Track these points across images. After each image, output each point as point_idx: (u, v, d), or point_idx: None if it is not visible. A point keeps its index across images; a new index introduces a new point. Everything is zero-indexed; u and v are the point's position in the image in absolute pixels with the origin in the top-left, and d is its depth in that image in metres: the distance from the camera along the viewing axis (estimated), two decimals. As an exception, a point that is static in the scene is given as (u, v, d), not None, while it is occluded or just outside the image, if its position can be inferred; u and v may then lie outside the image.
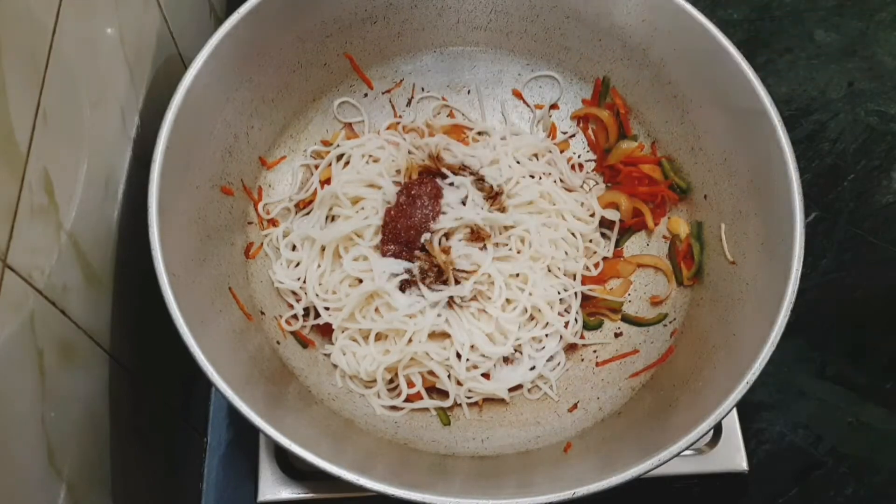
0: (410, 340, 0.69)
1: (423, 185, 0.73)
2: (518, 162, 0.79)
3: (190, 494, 0.78)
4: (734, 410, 0.72)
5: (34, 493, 0.47)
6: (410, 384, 0.70)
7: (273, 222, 0.76)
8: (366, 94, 0.83)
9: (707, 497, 0.77)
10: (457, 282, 0.71)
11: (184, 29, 0.73)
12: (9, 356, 0.43)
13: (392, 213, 0.72)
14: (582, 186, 0.80)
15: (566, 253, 0.75)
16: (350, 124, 0.82)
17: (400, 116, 0.83)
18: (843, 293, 0.87)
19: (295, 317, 0.73)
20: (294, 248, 0.75)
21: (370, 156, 0.78)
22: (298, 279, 0.73)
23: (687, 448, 0.56)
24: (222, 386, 0.55)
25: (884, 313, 0.86)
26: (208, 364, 0.55)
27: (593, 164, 0.83)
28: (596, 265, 0.77)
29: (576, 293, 0.75)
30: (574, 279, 0.75)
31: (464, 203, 0.74)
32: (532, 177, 0.78)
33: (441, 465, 0.67)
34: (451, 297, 0.70)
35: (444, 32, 0.81)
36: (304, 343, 0.72)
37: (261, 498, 0.68)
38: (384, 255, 0.71)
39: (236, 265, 0.72)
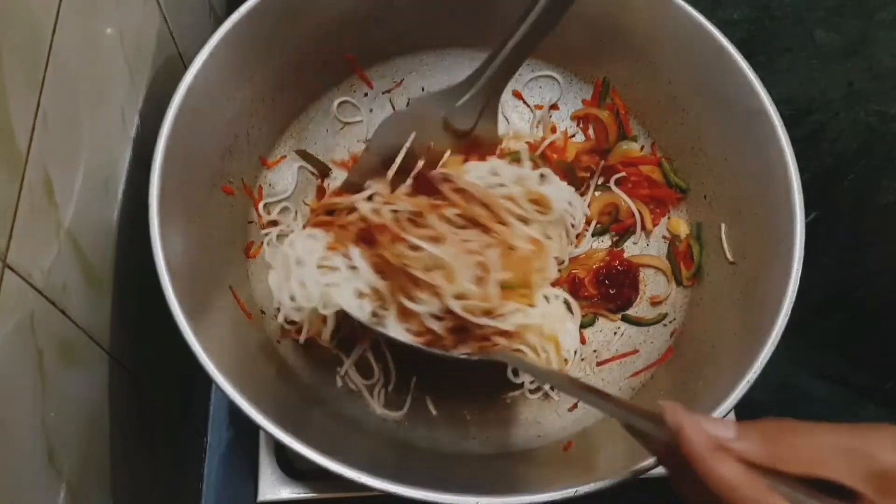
0: None
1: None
2: None
3: (190, 494, 0.78)
4: (732, 411, 0.72)
5: (34, 493, 0.47)
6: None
7: (273, 222, 0.76)
8: (366, 94, 0.83)
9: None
10: None
11: (184, 29, 0.73)
12: (9, 356, 0.43)
13: None
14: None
15: None
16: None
17: (400, 117, 0.83)
18: (843, 293, 0.86)
19: (295, 317, 0.73)
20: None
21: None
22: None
23: (687, 448, 0.56)
24: (223, 383, 0.55)
25: (884, 313, 0.86)
26: (209, 362, 0.55)
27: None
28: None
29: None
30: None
31: None
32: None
33: (441, 464, 0.67)
34: None
35: (445, 32, 0.81)
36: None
37: (261, 498, 0.68)
38: None
39: (236, 264, 0.72)
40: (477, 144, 0.74)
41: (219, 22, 0.67)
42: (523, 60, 0.70)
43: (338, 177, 0.81)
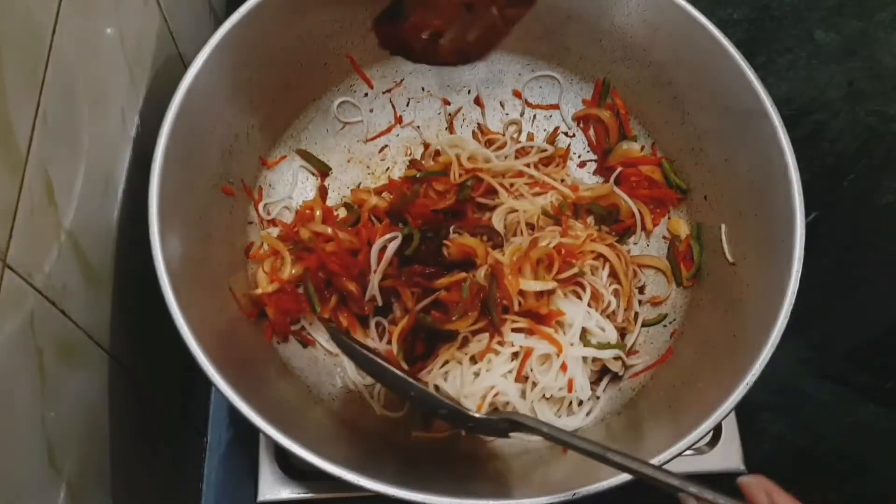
0: None
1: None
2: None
3: (190, 494, 0.78)
4: (732, 411, 0.72)
5: (34, 492, 0.47)
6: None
7: (273, 222, 0.76)
8: (366, 94, 0.83)
9: (706, 497, 0.76)
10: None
11: (184, 29, 0.73)
12: (9, 356, 0.43)
13: None
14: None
15: None
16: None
17: (400, 117, 0.83)
18: (844, 293, 0.86)
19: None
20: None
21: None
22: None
23: (687, 448, 0.57)
24: (222, 385, 0.55)
25: (884, 313, 0.86)
26: (208, 363, 0.55)
27: (594, 166, 0.83)
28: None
29: None
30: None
31: None
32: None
33: (441, 465, 0.67)
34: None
35: (445, 32, 0.81)
36: (304, 343, 0.72)
37: (261, 498, 0.68)
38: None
39: (236, 265, 0.72)
40: None
41: (219, 22, 0.67)
42: None
43: (338, 177, 0.81)
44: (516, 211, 0.76)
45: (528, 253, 0.69)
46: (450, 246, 0.71)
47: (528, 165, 0.79)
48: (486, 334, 0.68)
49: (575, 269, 0.70)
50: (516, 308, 0.68)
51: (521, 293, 0.68)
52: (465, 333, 0.68)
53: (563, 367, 0.67)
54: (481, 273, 0.68)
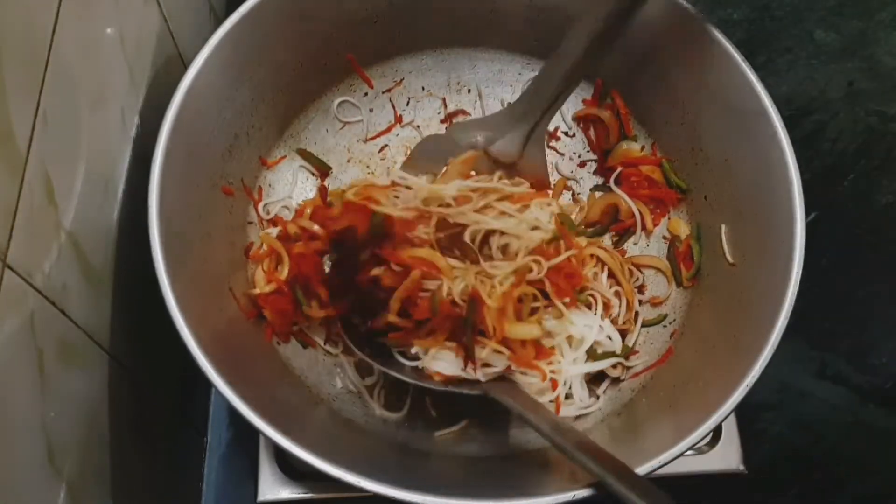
0: None
1: None
2: None
3: (190, 494, 0.78)
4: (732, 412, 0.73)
5: (34, 493, 0.47)
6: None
7: (273, 222, 0.76)
8: (366, 94, 0.83)
9: (706, 497, 0.77)
10: None
11: (184, 29, 0.73)
12: (9, 356, 0.43)
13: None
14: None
15: None
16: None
17: (400, 117, 0.83)
18: (844, 293, 0.86)
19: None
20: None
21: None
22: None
23: (688, 449, 0.57)
24: (222, 386, 0.55)
25: (883, 313, 0.86)
26: (208, 364, 0.55)
27: (594, 165, 0.83)
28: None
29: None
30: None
31: None
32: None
33: (440, 466, 0.67)
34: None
35: (445, 32, 0.81)
36: (304, 343, 0.72)
37: (261, 498, 0.68)
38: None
39: (236, 265, 0.72)
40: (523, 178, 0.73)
41: (219, 22, 0.67)
42: (573, 88, 0.70)
43: (338, 176, 0.81)
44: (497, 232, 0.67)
45: (512, 292, 0.62)
46: (381, 271, 0.62)
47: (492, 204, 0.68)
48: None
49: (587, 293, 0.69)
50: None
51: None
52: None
53: (554, 385, 0.66)
54: (458, 287, 0.61)
